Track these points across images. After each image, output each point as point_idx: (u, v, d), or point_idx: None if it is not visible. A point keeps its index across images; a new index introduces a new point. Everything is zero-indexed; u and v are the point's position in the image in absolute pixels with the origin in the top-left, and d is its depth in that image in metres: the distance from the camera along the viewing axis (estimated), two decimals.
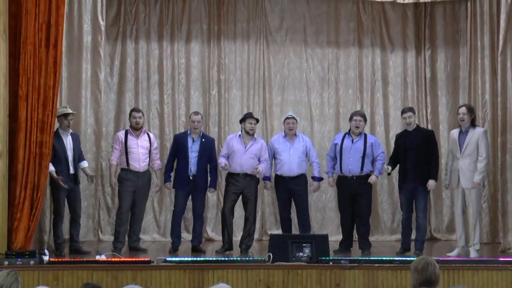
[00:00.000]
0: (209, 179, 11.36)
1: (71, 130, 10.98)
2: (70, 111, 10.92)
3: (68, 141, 10.85)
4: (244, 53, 13.43)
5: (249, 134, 11.27)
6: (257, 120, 11.47)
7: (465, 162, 10.51)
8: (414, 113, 11.10)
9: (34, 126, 9.85)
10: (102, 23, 12.11)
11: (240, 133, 11.38)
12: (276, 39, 13.48)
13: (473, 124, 10.59)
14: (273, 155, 11.49)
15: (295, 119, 11.47)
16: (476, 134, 10.48)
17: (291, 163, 11.27)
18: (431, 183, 10.79)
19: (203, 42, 13.36)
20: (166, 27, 13.28)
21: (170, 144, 11.96)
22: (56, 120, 10.69)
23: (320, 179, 11.56)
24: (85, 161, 11.28)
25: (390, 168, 11.08)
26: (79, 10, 11.89)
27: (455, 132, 10.77)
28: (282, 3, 13.49)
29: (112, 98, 13.13)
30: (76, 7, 11.87)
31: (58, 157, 10.61)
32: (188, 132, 11.33)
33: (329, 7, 13.51)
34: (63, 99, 11.44)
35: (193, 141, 11.24)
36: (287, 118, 11.48)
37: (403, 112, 11.23)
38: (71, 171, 10.83)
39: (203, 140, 11.32)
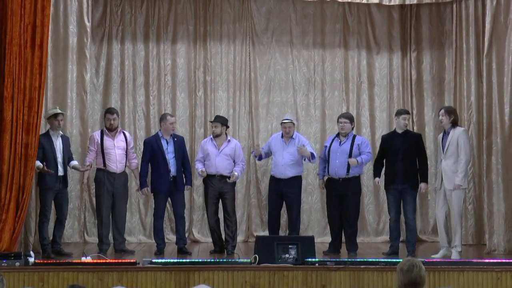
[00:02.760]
0: (184, 177, 11.44)
1: (61, 133, 10.97)
2: (59, 111, 10.91)
3: (58, 143, 10.85)
4: (230, 55, 13.41)
5: (214, 136, 11.39)
6: (222, 123, 11.45)
7: (447, 163, 10.60)
8: (409, 115, 11.23)
9: (19, 128, 9.85)
10: (88, 24, 12.04)
11: (212, 136, 11.45)
12: (262, 41, 13.47)
13: (454, 125, 10.69)
14: (270, 152, 11.59)
15: (292, 123, 11.44)
16: (456, 134, 10.60)
17: (283, 165, 11.29)
18: (423, 186, 10.88)
19: (189, 43, 13.33)
20: (152, 28, 13.24)
21: None
22: (46, 121, 10.71)
23: (313, 155, 11.34)
24: (74, 161, 11.26)
25: (378, 180, 11.22)
26: (64, 11, 11.81)
27: (440, 135, 10.88)
28: (268, 4, 13.47)
29: (98, 99, 13.09)
30: (62, 8, 11.79)
31: (48, 158, 10.61)
32: (160, 134, 11.34)
33: (315, 8, 13.49)
34: (49, 100, 11.39)
35: (167, 142, 11.26)
36: (283, 122, 11.43)
37: (400, 113, 11.24)
38: (60, 172, 10.82)
39: (175, 139, 11.39)
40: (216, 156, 11.25)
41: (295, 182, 11.40)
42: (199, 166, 11.38)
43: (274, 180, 11.45)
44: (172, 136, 11.34)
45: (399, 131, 11.06)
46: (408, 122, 11.09)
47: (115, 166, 11.20)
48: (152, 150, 11.22)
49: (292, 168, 11.30)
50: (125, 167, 11.41)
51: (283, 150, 11.35)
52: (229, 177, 11.27)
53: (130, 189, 11.83)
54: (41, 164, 10.50)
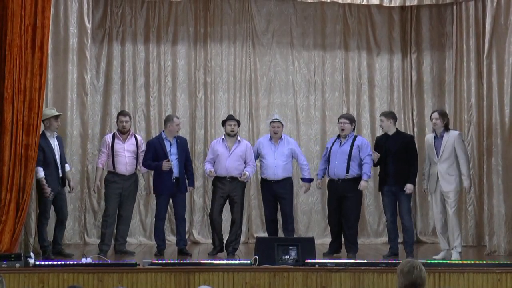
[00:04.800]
0: (186, 179, 11.38)
1: (56, 133, 10.95)
2: (57, 113, 10.89)
3: (55, 144, 10.82)
4: (230, 56, 13.42)
5: (231, 135, 11.27)
6: (238, 122, 11.49)
7: (443, 166, 10.59)
8: (388, 118, 11.08)
9: (19, 129, 9.85)
10: (88, 25, 12.06)
11: (223, 136, 11.40)
12: (263, 42, 13.48)
13: (446, 128, 10.69)
14: (258, 157, 11.52)
15: (281, 123, 11.46)
16: (451, 138, 10.60)
17: (275, 167, 11.27)
18: (409, 187, 10.83)
19: (190, 45, 13.34)
20: (153, 30, 13.25)
21: None
22: (43, 122, 10.68)
23: (310, 180, 11.51)
24: (67, 165, 11.22)
25: (377, 155, 11.10)
26: (65, 12, 11.84)
27: (430, 138, 10.89)
28: (268, 5, 13.48)
29: (98, 100, 13.09)
30: (62, 9, 11.81)
31: (48, 160, 10.57)
32: (164, 136, 11.30)
33: (315, 10, 13.50)
34: (49, 102, 11.38)
35: (170, 144, 11.24)
36: (273, 121, 11.48)
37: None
38: (60, 174, 10.80)
39: (178, 141, 11.33)
40: (227, 158, 11.15)
41: (287, 182, 11.40)
42: (208, 167, 11.28)
43: (266, 182, 11.43)
44: (175, 137, 11.31)
45: (389, 133, 11.07)
46: (384, 125, 11.04)
47: (124, 168, 11.21)
48: (155, 152, 11.18)
49: (284, 169, 11.31)
50: (136, 169, 11.41)
51: (274, 152, 11.35)
52: (239, 177, 11.22)
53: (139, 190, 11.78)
54: (44, 178, 10.48)
